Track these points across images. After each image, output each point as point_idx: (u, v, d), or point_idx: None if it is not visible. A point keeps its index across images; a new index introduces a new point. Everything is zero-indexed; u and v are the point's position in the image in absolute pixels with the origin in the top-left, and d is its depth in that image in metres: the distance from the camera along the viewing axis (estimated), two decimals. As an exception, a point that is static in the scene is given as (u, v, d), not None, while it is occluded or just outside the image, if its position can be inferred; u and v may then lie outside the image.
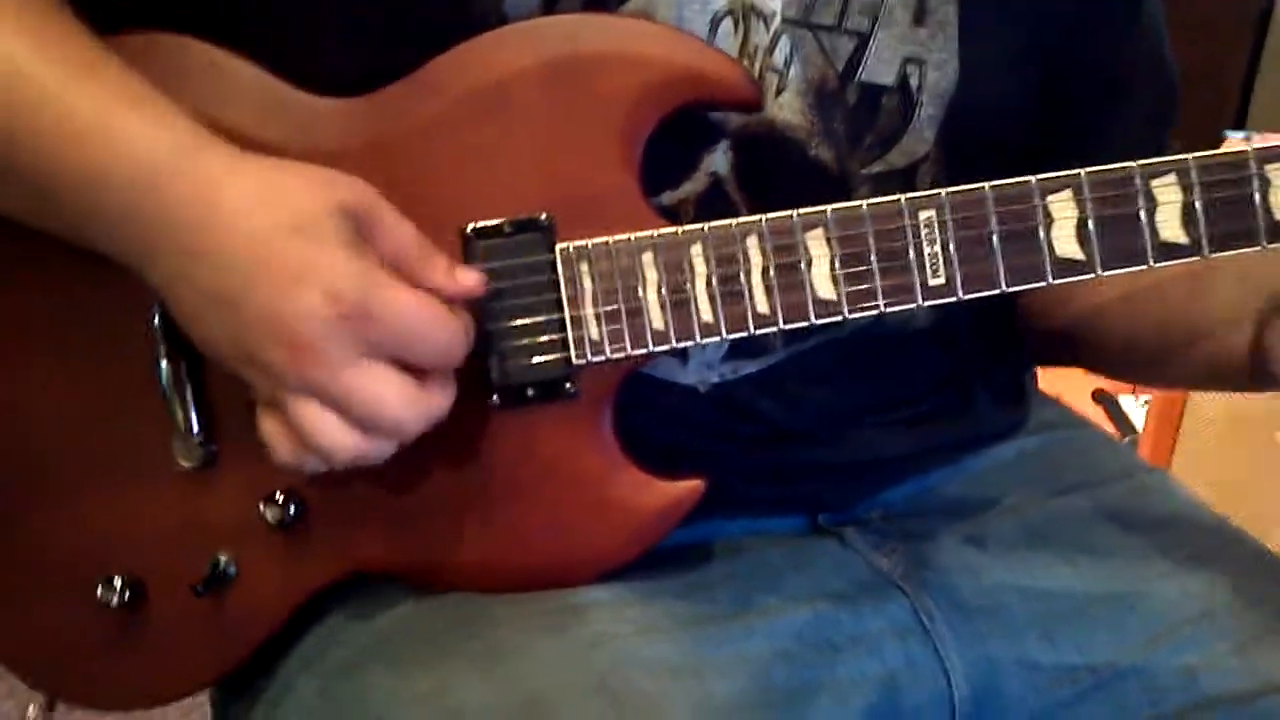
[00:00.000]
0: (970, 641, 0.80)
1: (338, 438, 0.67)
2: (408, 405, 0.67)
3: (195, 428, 0.75)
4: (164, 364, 0.74)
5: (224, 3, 0.75)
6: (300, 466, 0.69)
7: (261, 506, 0.75)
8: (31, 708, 1.00)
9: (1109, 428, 1.97)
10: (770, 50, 0.77)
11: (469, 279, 0.69)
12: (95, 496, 0.77)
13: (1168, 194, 0.70)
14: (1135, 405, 1.97)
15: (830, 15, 0.78)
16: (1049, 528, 0.87)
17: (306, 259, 0.65)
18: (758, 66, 0.77)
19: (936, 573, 0.83)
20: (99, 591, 0.76)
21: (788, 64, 0.77)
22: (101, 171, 0.67)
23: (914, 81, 0.80)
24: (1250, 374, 0.78)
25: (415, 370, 0.67)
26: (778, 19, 0.77)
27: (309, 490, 0.75)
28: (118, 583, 0.76)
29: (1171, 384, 1.08)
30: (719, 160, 0.77)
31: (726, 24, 0.76)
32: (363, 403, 0.66)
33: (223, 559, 0.77)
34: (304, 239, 0.65)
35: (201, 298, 0.67)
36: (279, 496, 0.75)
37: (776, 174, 0.78)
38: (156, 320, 0.73)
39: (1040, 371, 1.01)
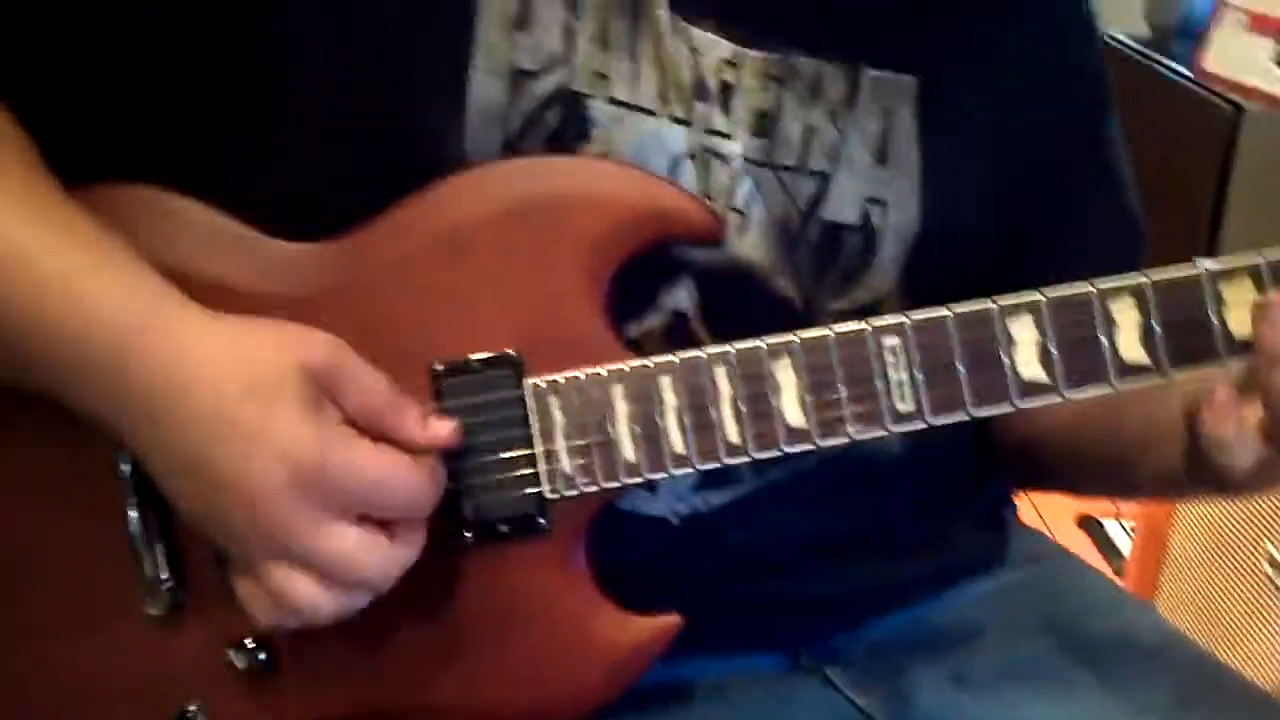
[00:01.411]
0: None
1: (313, 598, 0.67)
2: (378, 560, 0.67)
3: (164, 573, 0.74)
4: (133, 509, 0.74)
5: (181, 147, 0.76)
6: (282, 626, 0.69)
7: (230, 654, 0.74)
8: None
9: (1094, 553, 1.97)
10: (731, 191, 0.78)
11: (443, 429, 0.69)
12: (61, 645, 0.76)
13: (1126, 315, 0.71)
14: (1121, 531, 1.96)
15: (792, 156, 0.79)
16: (1031, 664, 0.86)
17: (262, 423, 0.65)
18: (719, 206, 0.78)
19: (919, 712, 0.82)
20: None
21: (749, 203, 0.79)
22: (72, 335, 0.67)
23: (876, 220, 0.81)
24: (1190, 470, 0.76)
25: (384, 522, 0.67)
26: (738, 160, 0.78)
27: (278, 637, 0.74)
28: None
29: (1130, 494, 1.07)
30: (681, 296, 0.78)
31: (686, 165, 0.78)
32: (331, 563, 0.66)
33: (191, 709, 0.75)
34: (259, 402, 0.65)
35: (171, 461, 0.67)
36: (248, 643, 0.74)
37: (740, 310, 0.79)
38: (126, 467, 0.73)
39: (1024, 495, 1.01)
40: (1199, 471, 0.74)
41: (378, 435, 0.68)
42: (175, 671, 0.75)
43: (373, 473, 0.66)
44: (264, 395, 0.65)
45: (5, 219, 0.69)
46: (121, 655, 0.76)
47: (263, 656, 0.74)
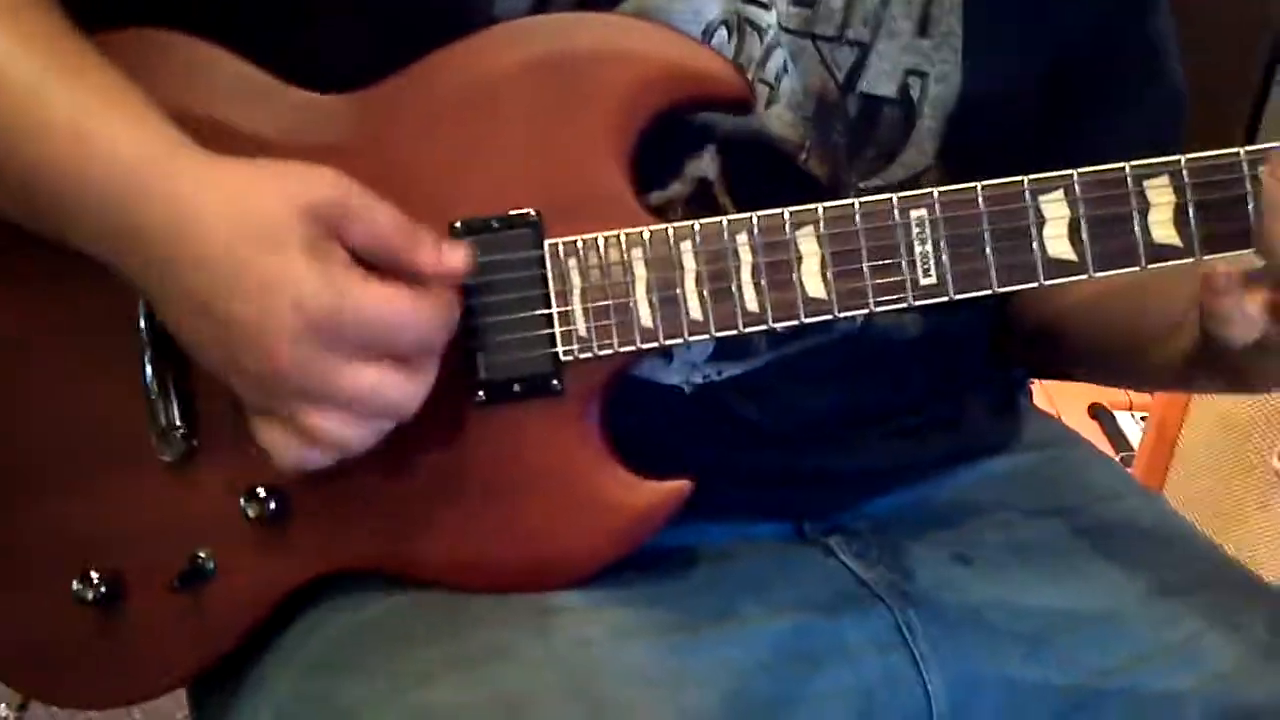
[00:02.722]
0: (952, 657, 0.80)
1: (340, 430, 0.67)
2: (401, 392, 0.68)
3: (177, 420, 0.75)
4: (148, 358, 0.74)
5: (212, 6, 0.75)
6: (306, 464, 0.69)
7: (242, 502, 0.75)
8: (2, 707, 0.99)
9: (1104, 443, 1.98)
10: (763, 62, 0.77)
11: (456, 257, 0.69)
12: (75, 491, 0.77)
13: (1160, 195, 0.70)
14: (1132, 422, 1.97)
15: (831, 26, 0.78)
16: (1036, 546, 0.86)
17: (271, 270, 0.65)
18: (750, 77, 0.77)
19: (921, 587, 0.83)
20: (76, 587, 0.76)
21: (779, 76, 0.77)
22: (77, 176, 0.67)
23: (915, 93, 0.80)
24: (1203, 358, 0.76)
25: (403, 357, 0.68)
26: (772, 31, 0.77)
27: (291, 486, 0.74)
28: (95, 578, 0.76)
29: (1142, 383, 1.07)
30: (706, 164, 0.77)
31: (720, 34, 0.76)
32: (354, 400, 0.67)
33: (202, 555, 0.76)
34: (267, 248, 0.65)
35: (184, 305, 0.68)
36: (260, 492, 0.75)
37: (765, 181, 0.78)
38: (142, 315, 0.73)
39: (1036, 386, 1.01)
40: (1207, 356, 0.74)
41: (390, 267, 0.67)
42: (187, 518, 0.76)
43: (387, 313, 0.66)
44: (271, 244, 0.65)
45: (18, 58, 0.69)
46: (135, 501, 0.77)
47: (274, 506, 0.74)
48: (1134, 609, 0.82)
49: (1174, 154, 0.70)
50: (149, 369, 0.74)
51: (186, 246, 0.66)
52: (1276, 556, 1.45)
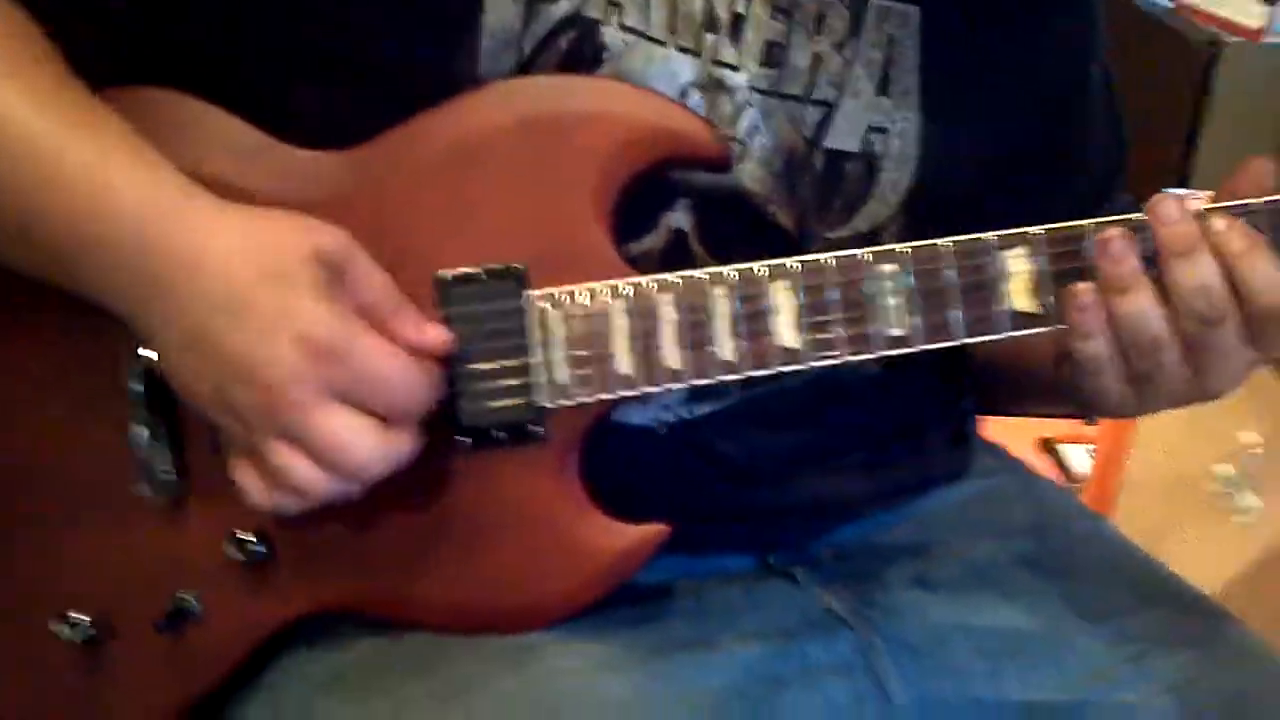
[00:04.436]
0: (915, 678, 0.82)
1: (307, 477, 0.68)
2: (372, 449, 0.69)
3: (164, 464, 0.76)
4: (137, 401, 0.75)
5: (208, 62, 0.77)
6: (273, 508, 0.71)
7: (226, 544, 0.75)
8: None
9: (1054, 476, 2.01)
10: (734, 121, 0.79)
11: (435, 335, 0.71)
12: (63, 530, 0.78)
13: None
14: (1080, 454, 2.01)
15: (798, 86, 0.81)
16: (992, 569, 0.89)
17: (280, 306, 0.67)
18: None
19: (883, 610, 0.85)
20: (60, 628, 0.77)
21: (750, 134, 0.80)
22: (92, 225, 0.69)
23: (877, 149, 0.83)
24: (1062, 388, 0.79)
25: (381, 416, 0.69)
26: (742, 91, 0.79)
27: (275, 528, 0.75)
28: (80, 619, 0.77)
29: (1029, 405, 1.12)
30: (681, 217, 0.79)
31: (693, 96, 0.78)
32: (330, 445, 0.68)
33: (186, 596, 0.77)
34: (278, 286, 0.67)
35: (184, 342, 0.69)
36: (245, 534, 0.75)
37: (737, 233, 0.80)
38: (132, 358, 0.74)
39: (988, 422, 1.04)
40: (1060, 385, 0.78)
41: (381, 331, 0.69)
42: (172, 560, 0.77)
43: (380, 363, 0.68)
44: (281, 279, 0.67)
45: (34, 109, 0.71)
46: (120, 543, 0.77)
47: (259, 549, 0.75)
48: (1086, 626, 0.84)
49: (1119, 199, 0.72)
50: (138, 412, 0.75)
51: (195, 282, 0.68)
52: (1215, 571, 1.49)
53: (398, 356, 0.69)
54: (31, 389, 0.77)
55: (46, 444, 0.78)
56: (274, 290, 0.67)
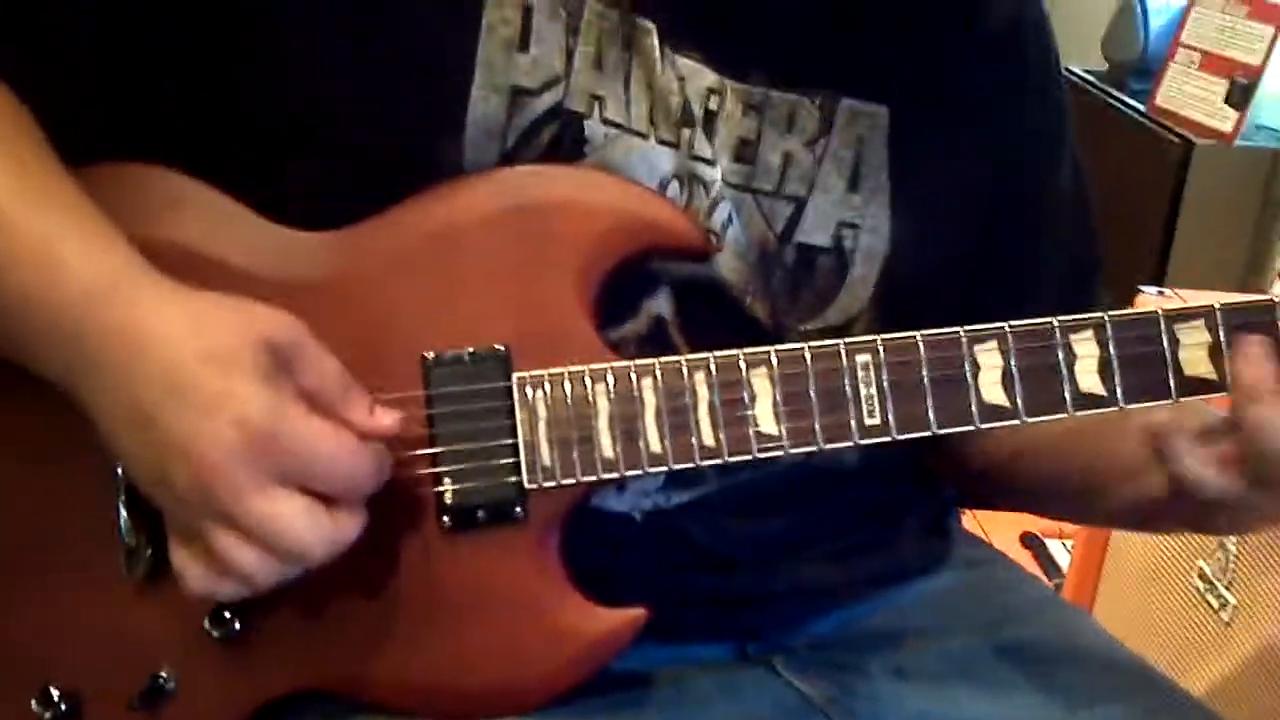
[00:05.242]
0: None
1: (249, 563, 0.67)
2: (312, 531, 0.68)
3: (145, 541, 0.76)
4: (120, 476, 0.75)
5: (197, 139, 0.78)
6: (211, 594, 0.70)
7: (206, 622, 0.75)
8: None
9: (1037, 570, 2.01)
10: (709, 213, 0.81)
11: (387, 419, 0.71)
12: (39, 604, 0.77)
13: (1086, 348, 0.75)
14: (1063, 550, 2.01)
15: (770, 182, 0.83)
16: (971, 661, 0.89)
17: (219, 388, 0.66)
18: None
19: (862, 701, 0.85)
20: (34, 706, 0.76)
21: (725, 226, 0.82)
22: (36, 297, 0.69)
23: (848, 244, 0.85)
24: (1168, 503, 0.80)
25: (325, 498, 0.68)
26: (717, 185, 0.81)
27: (254, 607, 0.75)
28: (54, 695, 0.76)
29: (1101, 522, 1.11)
30: (661, 304, 0.81)
31: (673, 187, 0.81)
32: (268, 528, 0.67)
33: (163, 675, 0.76)
34: (219, 368, 0.67)
35: (121, 418, 0.68)
36: (225, 613, 0.75)
37: (714, 321, 0.82)
38: None
39: (968, 515, 1.04)
40: (1173, 502, 0.78)
41: (327, 416, 0.69)
42: (150, 637, 0.76)
43: (322, 445, 0.68)
44: (223, 362, 0.67)
45: (2, 184, 0.71)
46: (98, 619, 0.77)
47: (237, 626, 0.75)
48: (1061, 717, 0.84)
49: (1095, 299, 0.74)
50: (119, 485, 0.75)
51: (138, 363, 0.67)
52: (1197, 665, 1.49)
53: (339, 438, 0.68)
54: (23, 460, 0.77)
55: (33, 515, 0.77)
56: (216, 372, 0.67)
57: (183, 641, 0.76)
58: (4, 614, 0.78)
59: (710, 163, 0.81)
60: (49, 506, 0.77)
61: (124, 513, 0.75)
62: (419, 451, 0.74)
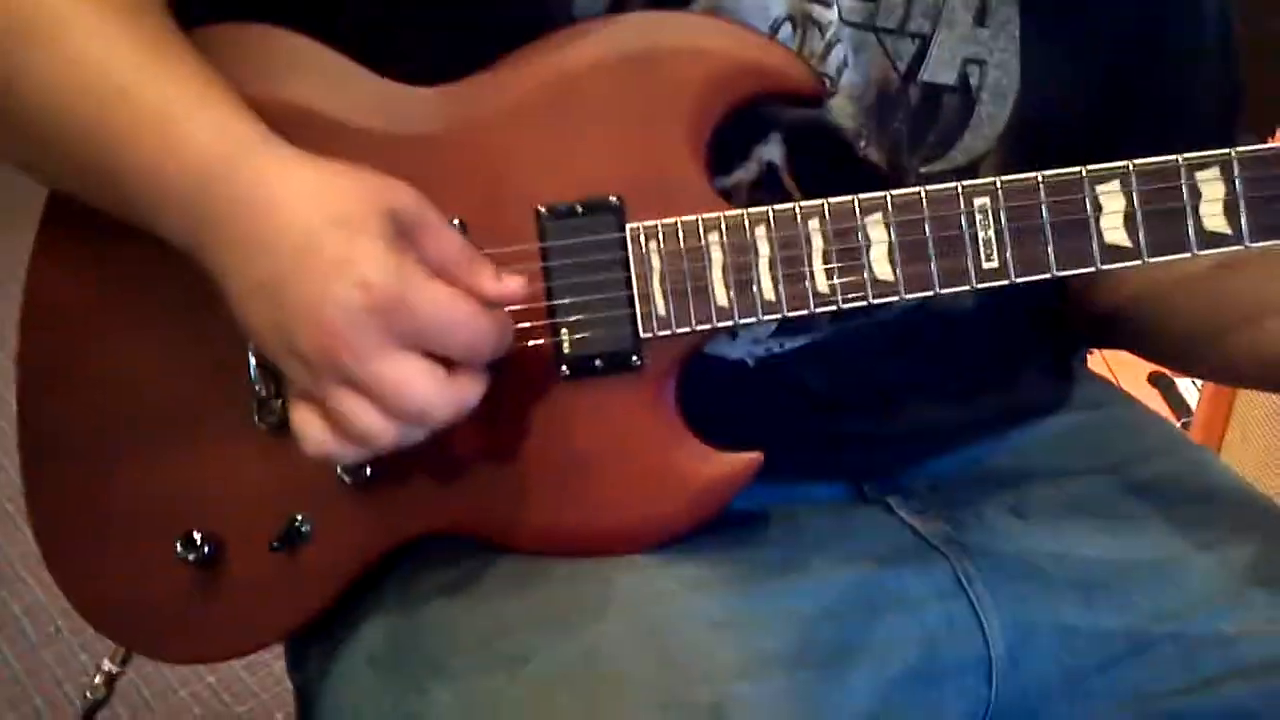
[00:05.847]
0: (1009, 604, 0.82)
1: (370, 424, 0.68)
2: (434, 394, 0.68)
3: (276, 390, 0.78)
4: None
5: (311, 3, 0.78)
6: (331, 456, 0.71)
7: (339, 468, 0.78)
8: (105, 661, 1.04)
9: (1166, 410, 1.97)
10: (824, 56, 0.80)
11: (512, 285, 0.72)
12: (180, 454, 0.80)
13: (1211, 187, 0.73)
14: (1192, 388, 1.96)
15: (893, 19, 0.80)
16: (1090, 499, 0.89)
17: (346, 251, 0.67)
18: None
19: (978, 538, 0.86)
20: (179, 547, 0.79)
21: (840, 69, 0.80)
22: (161, 165, 0.70)
23: (974, 81, 0.82)
24: None
25: (446, 361, 0.69)
26: (834, 27, 0.79)
27: (385, 455, 0.77)
28: (197, 539, 0.79)
29: (1222, 373, 1.07)
30: (772, 150, 0.80)
31: (785, 29, 0.79)
32: (391, 389, 0.67)
33: (299, 518, 0.79)
34: (345, 233, 0.67)
35: (248, 286, 0.69)
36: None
37: (827, 167, 0.81)
38: None
39: (1097, 355, 1.02)
40: None
41: (453, 282, 0.70)
42: (285, 483, 0.79)
43: (445, 310, 0.68)
44: (351, 226, 0.67)
45: (108, 53, 0.72)
46: (236, 466, 0.80)
47: (368, 473, 0.78)
48: (1185, 557, 0.84)
49: (1234, 138, 0.71)
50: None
51: (264, 230, 0.68)
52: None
53: (462, 303, 0.69)
54: (152, 314, 0.80)
55: (165, 368, 0.80)
56: (341, 237, 0.67)
57: (316, 487, 0.79)
58: (147, 466, 0.81)
59: (826, 3, 0.79)
60: (185, 362, 0.80)
61: (254, 363, 0.78)
62: (536, 304, 0.75)
